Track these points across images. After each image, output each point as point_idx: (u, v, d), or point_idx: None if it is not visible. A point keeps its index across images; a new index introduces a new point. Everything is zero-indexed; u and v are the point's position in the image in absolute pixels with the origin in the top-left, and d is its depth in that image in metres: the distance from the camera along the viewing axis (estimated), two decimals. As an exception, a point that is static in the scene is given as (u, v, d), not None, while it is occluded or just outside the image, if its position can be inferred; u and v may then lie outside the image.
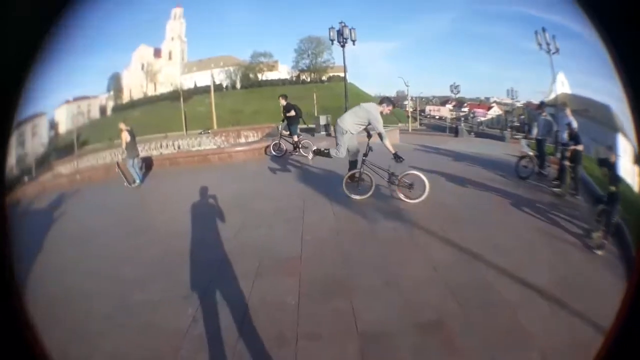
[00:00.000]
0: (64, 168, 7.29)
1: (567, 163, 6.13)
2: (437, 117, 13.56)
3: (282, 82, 9.81)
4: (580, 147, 6.04)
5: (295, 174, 6.64)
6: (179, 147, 7.95)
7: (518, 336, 2.70)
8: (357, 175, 5.67)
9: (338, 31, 8.38)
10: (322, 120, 9.57)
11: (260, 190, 5.87)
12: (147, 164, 7.19)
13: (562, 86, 7.54)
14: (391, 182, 5.66)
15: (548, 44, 7.30)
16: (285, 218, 4.72)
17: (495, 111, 14.08)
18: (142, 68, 10.99)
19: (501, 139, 9.98)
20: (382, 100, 5.73)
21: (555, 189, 6.24)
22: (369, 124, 5.45)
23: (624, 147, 5.65)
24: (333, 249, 3.80)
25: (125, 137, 6.78)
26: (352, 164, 5.76)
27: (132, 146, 6.74)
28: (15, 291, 1.10)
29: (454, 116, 13.56)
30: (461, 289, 3.14)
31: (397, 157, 5.34)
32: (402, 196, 5.61)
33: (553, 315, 2.91)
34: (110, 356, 2.58)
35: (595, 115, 6.68)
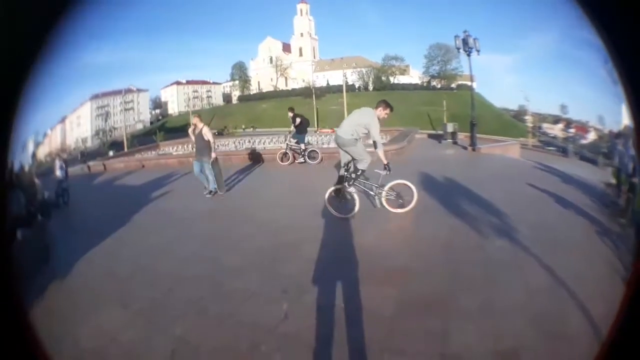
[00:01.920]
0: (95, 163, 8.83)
1: (630, 195, 7.23)
2: (551, 135, 14.84)
3: (414, 87, 11.77)
4: (636, 180, 7.08)
5: (415, 180, 7.55)
6: (308, 143, 8.84)
7: None
8: (342, 191, 6.01)
9: (463, 40, 9.78)
10: (449, 127, 11.02)
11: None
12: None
13: (625, 117, 9.85)
14: (376, 193, 5.99)
15: (612, 72, 9.19)
16: (397, 226, 5.28)
17: (592, 135, 16.37)
18: (271, 61, 12.49)
19: (595, 163, 11.85)
20: (378, 103, 6.01)
21: (621, 220, 6.19)
22: (367, 130, 5.81)
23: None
24: (440, 264, 4.11)
25: (207, 132, 6.81)
26: (341, 178, 6.14)
27: (208, 147, 6.76)
28: (15, 291, 1.19)
29: (564, 136, 14.54)
30: (545, 318, 3.26)
31: (387, 168, 5.73)
32: (387, 208, 5.93)
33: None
34: (119, 354, 2.87)
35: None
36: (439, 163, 8.22)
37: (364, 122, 5.77)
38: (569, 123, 17.38)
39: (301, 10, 10.67)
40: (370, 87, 10.73)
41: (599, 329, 2.92)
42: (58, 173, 6.27)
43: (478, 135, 10.79)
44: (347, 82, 10.23)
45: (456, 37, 9.75)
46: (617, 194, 6.61)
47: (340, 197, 5.90)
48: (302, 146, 8.34)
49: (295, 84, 10.38)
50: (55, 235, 4.61)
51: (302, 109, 9.79)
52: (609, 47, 1.15)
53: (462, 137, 10.99)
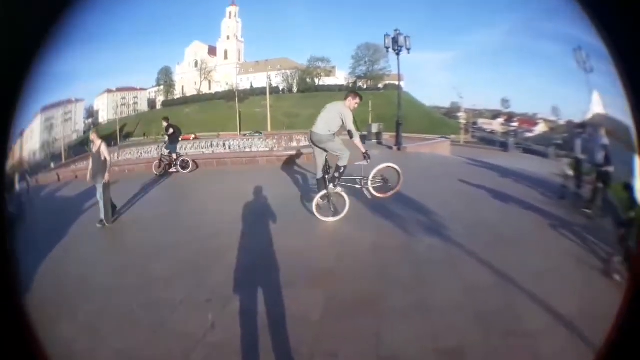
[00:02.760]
0: (65, 167, 9.00)
1: (600, 185, 6.86)
2: (488, 130, 16.31)
3: (339, 88, 11.95)
4: (611, 169, 6.69)
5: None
6: (229, 148, 9.49)
7: None
8: (327, 195, 6.21)
9: (393, 39, 10.32)
10: (374, 128, 11.68)
11: (303, 196, 6.71)
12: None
13: (597, 106, 10.44)
14: (362, 185, 6.42)
15: (585, 62, 9.73)
16: (324, 227, 5.61)
17: (541, 128, 16.32)
18: (196, 65, 12.86)
19: (545, 156, 11.10)
20: (347, 94, 6.35)
21: (587, 211, 6.89)
22: (342, 122, 6.09)
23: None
24: (367, 264, 4.44)
25: (104, 150, 6.33)
26: (321, 182, 6.30)
27: (103, 167, 6.27)
28: (15, 291, 1.30)
29: (504, 130, 16.25)
30: (488, 315, 3.60)
31: (366, 156, 6.08)
32: (376, 195, 6.38)
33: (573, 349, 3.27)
34: (114, 355, 3.06)
35: (620, 136, 9.33)
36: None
37: (339, 113, 6.04)
38: (510, 117, 18.90)
39: (230, 13, 11.31)
40: (295, 89, 11.44)
41: (560, 322, 3.50)
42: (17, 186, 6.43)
43: (407, 134, 11.54)
44: (271, 85, 10.94)
45: (386, 36, 10.36)
46: (578, 184, 7.58)
47: (329, 202, 6.10)
48: (174, 156, 8.77)
49: (219, 87, 10.93)
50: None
51: (225, 113, 10.48)
52: (609, 47, 1.23)
53: (388, 137, 11.67)
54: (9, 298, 1.28)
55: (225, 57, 10.71)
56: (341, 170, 6.16)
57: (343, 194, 6.10)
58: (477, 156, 10.28)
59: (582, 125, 7.97)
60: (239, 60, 10.77)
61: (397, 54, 10.33)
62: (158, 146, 9.29)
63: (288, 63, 11.54)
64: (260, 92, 10.57)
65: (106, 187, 6.32)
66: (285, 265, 4.10)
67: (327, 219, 5.93)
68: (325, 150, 6.18)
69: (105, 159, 6.35)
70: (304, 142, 9.77)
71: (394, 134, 11.20)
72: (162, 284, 3.91)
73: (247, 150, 9.52)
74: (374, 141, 11.28)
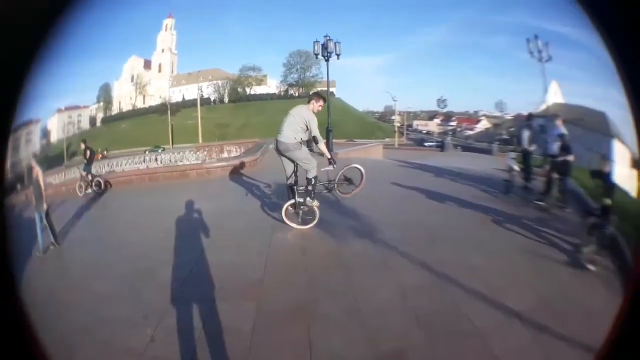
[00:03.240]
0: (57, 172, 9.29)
1: (555, 175, 7.13)
2: (424, 131, 17.14)
3: (270, 97, 12.91)
4: (570, 158, 6.96)
5: (269, 190, 7.74)
6: (160, 162, 9.78)
7: None
8: (297, 205, 6.30)
9: (323, 45, 10.81)
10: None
11: (231, 208, 6.83)
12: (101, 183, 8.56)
13: (556, 96, 9.39)
14: (329, 188, 6.64)
15: (540, 52, 8.91)
16: (252, 238, 5.55)
17: (483, 124, 17.54)
18: (132, 80, 13.17)
19: (489, 152, 12.10)
20: (310, 97, 6.35)
21: (540, 203, 7.16)
22: (307, 127, 6.12)
23: (621, 154, 6.63)
24: (297, 272, 4.57)
25: (39, 176, 6.30)
26: (289, 190, 6.39)
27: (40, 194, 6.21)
28: (15, 291, 1.29)
29: (442, 130, 17.19)
30: (429, 316, 3.75)
31: (332, 162, 6.13)
32: (341, 195, 6.64)
33: (533, 343, 3.46)
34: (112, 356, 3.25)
35: (591, 124, 8.25)
36: (329, 170, 8.70)
37: (304, 119, 6.09)
38: (448, 117, 18.90)
39: (166, 26, 11.82)
40: (226, 100, 12.10)
41: (509, 318, 3.66)
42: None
43: (339, 140, 11.99)
44: (202, 96, 11.59)
45: (315, 42, 10.86)
46: (527, 177, 7.83)
47: (297, 211, 6.22)
48: (89, 177, 9.08)
49: (152, 101, 11.45)
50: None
51: (157, 126, 11.13)
52: (609, 47, 1.24)
53: None
54: (9, 298, 1.30)
55: (159, 70, 11.23)
56: (312, 182, 6.22)
57: (316, 209, 6.12)
58: (411, 158, 10.71)
59: (530, 117, 8.45)
60: (172, 72, 11.35)
61: (327, 60, 10.77)
62: (78, 168, 9.43)
63: (220, 73, 12.14)
64: (192, 103, 11.10)
65: (47, 211, 6.34)
66: (216, 279, 4.28)
67: (294, 225, 6.01)
68: (292, 160, 6.26)
69: (41, 186, 6.31)
70: (235, 152, 10.38)
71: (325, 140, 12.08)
72: (106, 302, 4.02)
73: (179, 163, 9.77)
74: (305, 148, 11.63)
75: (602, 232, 5.41)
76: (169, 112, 10.43)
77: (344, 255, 5.04)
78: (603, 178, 5.75)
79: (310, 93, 6.73)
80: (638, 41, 1.18)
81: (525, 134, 8.09)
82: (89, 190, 9.03)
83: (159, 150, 9.86)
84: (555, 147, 7.29)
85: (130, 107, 10.60)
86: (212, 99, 11.65)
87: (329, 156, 6.16)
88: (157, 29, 10.94)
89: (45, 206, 6.29)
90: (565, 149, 7.07)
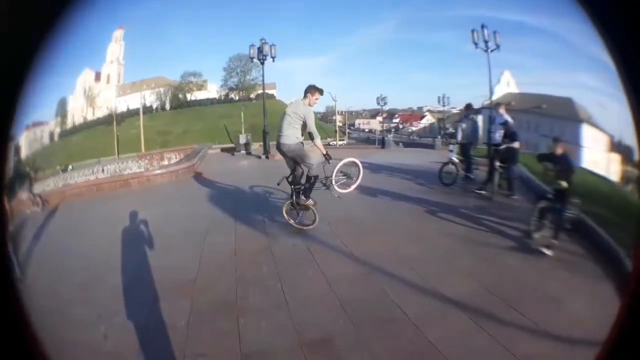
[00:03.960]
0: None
1: (498, 163, 7.68)
2: (366, 130, 18.16)
3: (211, 102, 14.07)
4: (515, 145, 7.56)
5: (205, 195, 8.53)
6: (107, 173, 10.55)
7: (418, 354, 3.52)
8: (294, 204, 6.63)
9: (258, 48, 11.55)
10: (242, 139, 12.78)
11: (169, 214, 7.28)
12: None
13: (508, 86, 10.02)
14: (327, 184, 6.93)
15: (486, 42, 9.31)
16: (188, 241, 6.15)
17: (427, 120, 18.45)
18: (84, 92, 13.91)
19: (432, 147, 13.07)
20: (306, 90, 6.55)
21: (482, 192, 7.85)
22: (304, 123, 6.37)
23: (593, 138, 7.32)
24: (228, 270, 5.12)
25: None
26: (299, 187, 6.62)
27: None
28: (15, 291, 1.46)
29: (385, 128, 17.99)
30: (356, 305, 4.19)
31: (327, 157, 6.40)
32: (340, 191, 7.06)
33: (470, 330, 3.80)
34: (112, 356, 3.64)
35: (551, 110, 8.64)
36: (230, 175, 9.80)
37: (300, 115, 6.39)
38: (391, 114, 19.36)
39: (116, 37, 12.64)
40: (167, 107, 13.55)
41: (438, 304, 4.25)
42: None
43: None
44: (145, 104, 12.77)
45: (251, 46, 11.71)
46: (467, 168, 8.60)
47: (297, 211, 6.61)
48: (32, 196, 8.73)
49: (100, 112, 12.30)
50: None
51: (104, 137, 11.89)
52: (609, 47, 1.37)
53: (258, 146, 12.86)
54: (9, 298, 1.41)
55: (108, 81, 12.04)
56: (312, 181, 6.58)
57: (314, 209, 6.49)
58: (350, 156, 10.76)
59: (467, 108, 9.25)
60: (119, 83, 12.14)
61: (262, 63, 11.80)
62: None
63: (162, 81, 12.66)
64: (136, 112, 12.46)
65: None
66: (156, 280, 4.76)
67: (293, 223, 6.55)
68: (294, 160, 6.48)
69: None
70: (174, 159, 11.37)
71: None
72: (68, 304, 4.47)
73: (124, 172, 10.82)
74: (243, 152, 12.66)
75: (558, 215, 5.87)
76: (114, 122, 11.40)
77: (274, 252, 5.73)
78: (556, 161, 6.31)
79: (307, 86, 6.63)
80: (638, 41, 1.28)
81: (462, 126, 8.94)
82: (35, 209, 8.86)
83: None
84: (497, 135, 8.04)
85: (81, 120, 11.43)
86: (154, 107, 12.64)
87: (324, 152, 6.48)
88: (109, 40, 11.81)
89: None
90: (509, 137, 7.76)
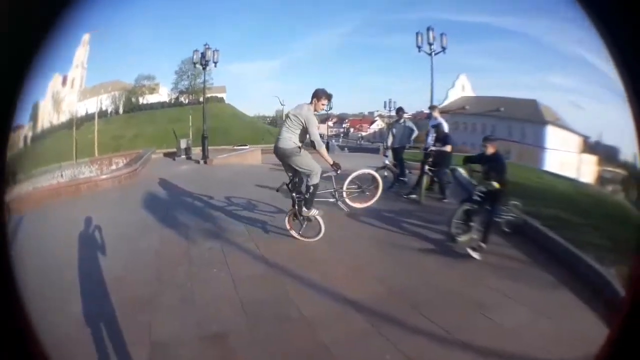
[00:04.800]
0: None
1: (427, 167, 8.16)
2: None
3: (162, 105, 15.30)
4: (447, 149, 7.94)
5: (140, 201, 9.03)
6: (65, 177, 11.30)
7: (309, 355, 3.99)
8: (296, 214, 6.66)
9: (202, 53, 12.71)
10: (183, 143, 13.70)
11: (107, 219, 7.32)
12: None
13: (463, 90, 10.81)
14: (337, 197, 7.00)
15: (430, 44, 9.89)
16: (122, 244, 6.57)
17: (377, 125, 20.20)
18: (52, 97, 15.12)
19: (377, 151, 13.93)
20: (313, 95, 6.54)
21: (410, 196, 8.44)
22: (304, 127, 6.34)
23: (562, 140, 7.79)
24: (149, 271, 5.78)
25: None
26: (286, 192, 6.72)
27: None
28: (15, 291, 1.59)
29: (334, 133, 19.74)
30: (256, 305, 4.76)
31: (335, 167, 6.43)
32: (353, 205, 7.21)
33: (368, 334, 4.24)
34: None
35: (511, 113, 9.15)
36: (168, 181, 10.49)
37: (301, 120, 6.40)
38: (342, 119, 20.71)
39: (84, 41, 13.40)
40: (121, 111, 14.85)
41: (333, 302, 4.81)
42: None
43: (225, 147, 14.01)
44: (101, 108, 14.07)
45: (195, 51, 12.88)
46: (401, 172, 9.25)
47: (300, 220, 6.70)
48: None
49: (64, 117, 13.30)
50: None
51: (65, 142, 12.46)
52: (609, 47, 1.48)
53: (199, 151, 13.75)
54: (9, 298, 1.53)
55: (72, 86, 13.11)
56: (311, 190, 6.55)
57: (318, 217, 6.58)
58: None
59: (398, 112, 9.81)
60: (81, 87, 13.17)
61: (204, 68, 13.14)
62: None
63: (118, 85, 15.06)
64: (93, 117, 14.00)
65: None
66: (93, 282, 5.23)
67: (295, 234, 6.75)
68: (290, 165, 6.45)
69: None
70: (122, 163, 12.20)
71: (212, 147, 13.59)
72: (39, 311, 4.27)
73: (79, 177, 11.87)
74: (184, 156, 13.73)
75: (488, 217, 6.05)
76: (74, 127, 13.46)
77: (191, 254, 6.22)
78: (486, 161, 6.47)
79: (314, 90, 6.62)
80: (638, 41, 1.40)
81: (393, 131, 9.44)
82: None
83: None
84: (430, 139, 8.49)
85: (48, 125, 12.49)
86: (109, 111, 14.75)
87: (331, 162, 6.44)
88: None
89: None
90: (441, 140, 8.14)
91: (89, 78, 14.35)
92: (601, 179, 6.73)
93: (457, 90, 11.11)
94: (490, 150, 6.51)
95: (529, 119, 8.88)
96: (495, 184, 6.19)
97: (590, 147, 6.96)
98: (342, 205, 7.17)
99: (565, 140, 7.80)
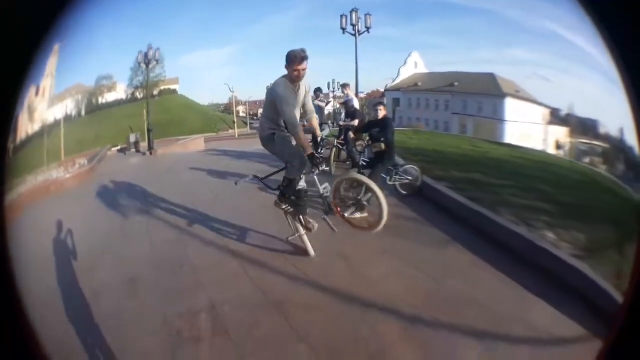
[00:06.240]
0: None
1: (336, 141, 8.77)
2: None
3: (118, 102, 14.41)
4: (354, 123, 8.53)
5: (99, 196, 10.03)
6: (36, 182, 10.31)
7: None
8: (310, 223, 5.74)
9: (145, 54, 12.83)
10: (132, 138, 14.09)
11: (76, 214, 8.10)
12: None
13: (415, 67, 11.05)
14: (326, 210, 6.07)
15: (354, 25, 10.21)
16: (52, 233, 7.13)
17: (329, 107, 17.22)
18: (28, 108, 15.10)
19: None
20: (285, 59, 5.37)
21: (325, 169, 7.58)
22: (275, 108, 5.51)
23: (523, 111, 8.40)
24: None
25: None
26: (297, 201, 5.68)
27: None
28: (15, 291, 1.67)
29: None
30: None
31: (312, 161, 5.56)
32: (402, 191, 7.21)
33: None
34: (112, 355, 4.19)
35: (467, 87, 9.87)
36: (117, 173, 11.56)
37: (269, 96, 5.69)
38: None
39: (55, 50, 13.46)
40: (83, 112, 12.54)
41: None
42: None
43: (179, 137, 14.84)
44: (66, 113, 11.79)
45: (139, 52, 13.01)
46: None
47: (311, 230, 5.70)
48: None
49: (36, 125, 13.66)
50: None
51: (37, 150, 13.56)
52: (609, 46, 1.57)
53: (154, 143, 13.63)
54: (9, 298, 1.55)
55: (43, 95, 13.56)
56: (285, 184, 5.79)
57: (303, 236, 5.87)
58: (235, 147, 12.99)
59: (315, 92, 9.82)
60: (50, 95, 13.60)
61: (147, 66, 13.51)
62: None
63: (81, 88, 13.45)
64: (59, 122, 14.00)
65: None
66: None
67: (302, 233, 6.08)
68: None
69: None
70: (82, 163, 12.83)
71: (166, 138, 14.11)
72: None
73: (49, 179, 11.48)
74: (133, 150, 14.25)
75: (373, 179, 6.45)
76: (44, 135, 13.30)
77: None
78: (377, 125, 7.16)
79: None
80: (638, 41, 1.44)
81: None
82: None
83: None
84: (342, 115, 9.27)
85: (24, 135, 12.92)
86: (72, 114, 14.69)
87: (308, 150, 5.44)
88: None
89: None
90: (349, 115, 8.80)
91: (57, 85, 14.31)
92: (575, 151, 6.79)
93: (410, 68, 11.24)
94: (381, 113, 7.28)
95: (485, 92, 9.18)
96: (382, 145, 7.04)
97: (560, 119, 7.08)
98: (331, 224, 6.01)
99: (527, 112, 8.06)
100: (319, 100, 10.24)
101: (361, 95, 11.56)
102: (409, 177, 7.50)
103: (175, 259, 6.25)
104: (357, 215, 6.43)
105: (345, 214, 6.37)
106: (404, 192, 7.54)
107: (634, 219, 3.55)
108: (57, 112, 13.70)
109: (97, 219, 8.60)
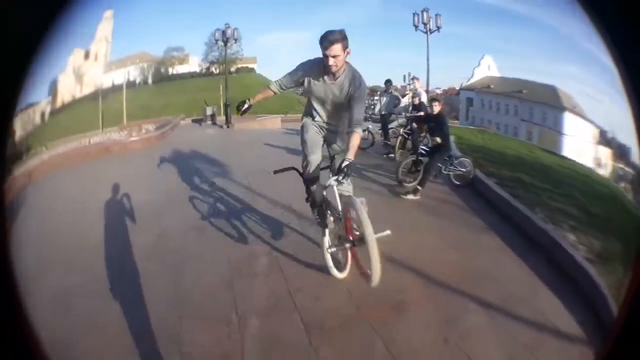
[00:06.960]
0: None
1: (403, 130, 9.20)
2: None
3: (191, 75, 14.94)
4: (420, 114, 8.88)
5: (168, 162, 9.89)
6: (90, 142, 11.34)
7: None
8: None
9: (223, 32, 13.41)
10: (209, 111, 14.43)
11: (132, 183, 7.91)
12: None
13: (489, 69, 11.04)
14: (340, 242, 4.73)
15: (425, 24, 10.20)
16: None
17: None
18: (73, 71, 15.63)
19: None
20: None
21: (390, 155, 9.55)
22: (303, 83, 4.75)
23: (577, 128, 8.19)
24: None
25: None
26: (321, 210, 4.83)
27: None
28: (15, 291, 1.65)
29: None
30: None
31: (342, 171, 4.34)
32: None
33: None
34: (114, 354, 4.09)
35: (532, 96, 9.72)
36: (194, 141, 11.65)
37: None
38: (372, 91, 21.51)
39: (106, 16, 13.99)
40: (150, 81, 14.66)
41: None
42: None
43: (255, 115, 14.52)
44: (129, 80, 13.67)
45: (216, 30, 13.70)
46: (385, 136, 10.32)
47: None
48: None
49: (87, 89, 13.79)
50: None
51: (90, 113, 13.83)
52: (609, 46, 1.54)
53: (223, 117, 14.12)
54: (9, 298, 1.56)
55: (95, 59, 13.55)
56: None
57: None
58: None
59: (386, 84, 10.86)
60: (106, 60, 13.63)
61: (225, 45, 13.90)
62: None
63: (146, 56, 14.64)
64: (120, 88, 13.92)
65: None
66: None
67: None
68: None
69: None
70: (151, 129, 13.44)
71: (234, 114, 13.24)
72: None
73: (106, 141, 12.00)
74: (209, 122, 14.49)
75: (429, 166, 7.12)
76: (100, 98, 13.05)
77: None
78: (432, 120, 7.65)
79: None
80: (638, 41, 1.43)
81: (382, 100, 10.66)
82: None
83: None
84: (411, 107, 9.70)
85: (70, 98, 12.68)
86: (137, 82, 14.28)
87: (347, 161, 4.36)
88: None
89: None
90: (416, 108, 9.23)
91: (114, 51, 14.06)
92: (615, 174, 6.77)
93: (483, 69, 11.27)
94: (436, 109, 7.53)
95: (549, 102, 9.18)
96: (438, 139, 7.27)
97: (605, 141, 6.93)
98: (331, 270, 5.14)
99: (581, 129, 7.95)
100: (397, 92, 10.85)
101: (437, 91, 12.10)
102: (463, 169, 7.90)
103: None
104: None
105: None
106: (457, 182, 7.94)
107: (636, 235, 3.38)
108: (116, 77, 14.55)
109: (166, 179, 8.79)
